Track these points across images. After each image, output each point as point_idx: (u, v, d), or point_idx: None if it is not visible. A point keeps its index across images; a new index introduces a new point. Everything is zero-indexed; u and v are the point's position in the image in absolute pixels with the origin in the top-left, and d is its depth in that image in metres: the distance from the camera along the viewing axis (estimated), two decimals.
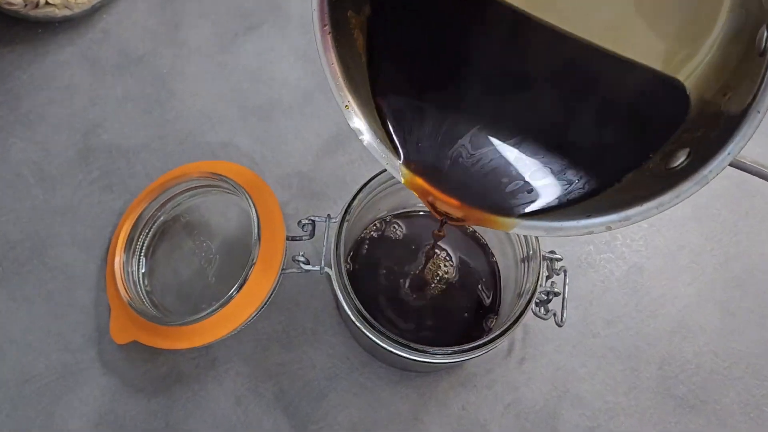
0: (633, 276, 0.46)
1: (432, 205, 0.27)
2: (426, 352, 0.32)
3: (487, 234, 0.43)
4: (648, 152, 0.23)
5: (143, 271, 0.42)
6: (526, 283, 0.35)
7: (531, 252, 0.35)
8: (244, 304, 0.36)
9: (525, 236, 0.36)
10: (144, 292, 0.41)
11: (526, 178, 0.25)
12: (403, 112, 0.27)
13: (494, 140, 0.26)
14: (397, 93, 0.27)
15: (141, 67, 0.52)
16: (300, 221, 0.37)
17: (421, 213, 0.44)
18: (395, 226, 0.43)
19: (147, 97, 0.51)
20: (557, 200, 0.25)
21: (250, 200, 0.38)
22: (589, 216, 0.23)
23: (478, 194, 0.27)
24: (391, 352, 0.32)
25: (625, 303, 0.45)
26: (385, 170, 0.36)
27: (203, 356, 0.42)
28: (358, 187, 0.36)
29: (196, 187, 0.43)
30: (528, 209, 0.25)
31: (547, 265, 0.36)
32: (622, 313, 0.45)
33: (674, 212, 0.48)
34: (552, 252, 0.36)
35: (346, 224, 0.34)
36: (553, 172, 0.25)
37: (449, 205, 0.26)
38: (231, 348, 0.42)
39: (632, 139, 0.24)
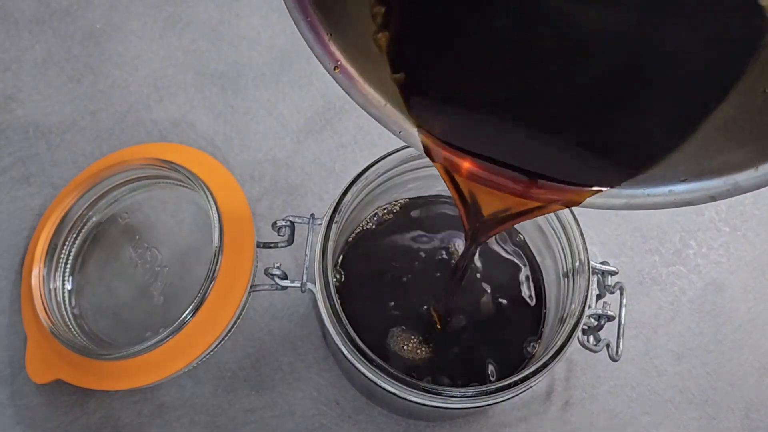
0: (711, 296, 0.46)
1: (463, 195, 0.27)
2: (440, 394, 0.32)
3: (524, 233, 0.43)
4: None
5: (70, 288, 0.43)
6: (570, 305, 0.35)
7: (577, 263, 0.35)
8: (201, 332, 0.36)
9: (568, 243, 0.36)
10: (70, 315, 0.41)
11: (595, 126, 0.25)
12: (428, 52, 0.26)
13: (545, 76, 0.25)
14: (417, 25, 0.26)
15: (67, 22, 0.53)
16: (275, 223, 0.37)
17: (435, 197, 0.43)
18: (402, 217, 0.43)
19: (74, 60, 0.52)
20: (639, 155, 0.24)
21: (209, 195, 0.39)
22: (684, 180, 0.23)
23: (534, 162, 0.26)
24: (394, 394, 0.32)
25: (701, 331, 0.45)
26: (386, 156, 0.36)
27: (148, 401, 0.42)
28: (350, 178, 0.36)
29: (138, 179, 0.43)
30: (603, 169, 0.25)
31: (598, 281, 0.36)
32: (696, 344, 0.45)
33: (765, 210, 0.48)
34: (604, 263, 0.36)
35: (334, 227, 0.35)
36: (626, 113, 0.24)
37: (499, 180, 0.25)
38: (184, 390, 0.43)
39: (730, 32, 0.22)
